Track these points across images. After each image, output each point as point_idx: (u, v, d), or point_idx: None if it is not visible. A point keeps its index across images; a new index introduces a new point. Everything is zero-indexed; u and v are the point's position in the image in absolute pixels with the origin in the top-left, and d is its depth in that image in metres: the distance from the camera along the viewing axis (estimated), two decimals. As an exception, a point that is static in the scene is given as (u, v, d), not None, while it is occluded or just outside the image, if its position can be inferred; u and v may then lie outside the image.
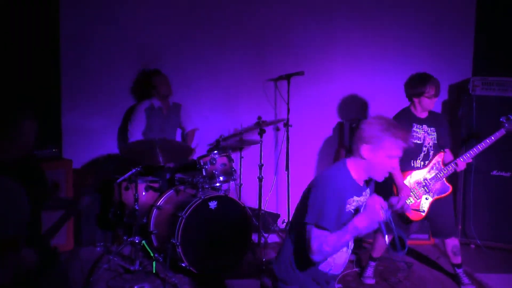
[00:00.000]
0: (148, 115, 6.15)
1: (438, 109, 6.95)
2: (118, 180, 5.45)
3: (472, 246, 6.47)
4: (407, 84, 5.26)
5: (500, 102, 6.31)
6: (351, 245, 3.45)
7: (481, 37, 6.97)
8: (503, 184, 6.39)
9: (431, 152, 5.25)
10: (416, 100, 5.21)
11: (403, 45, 6.92)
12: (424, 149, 5.25)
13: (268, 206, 6.63)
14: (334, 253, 3.22)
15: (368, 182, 3.46)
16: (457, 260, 5.39)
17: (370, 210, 3.15)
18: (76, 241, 6.00)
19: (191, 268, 5.28)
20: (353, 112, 6.85)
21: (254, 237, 5.95)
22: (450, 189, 5.28)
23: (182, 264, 5.28)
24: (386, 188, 5.06)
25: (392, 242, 3.21)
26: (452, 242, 5.32)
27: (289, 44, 6.77)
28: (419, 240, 6.49)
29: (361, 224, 3.14)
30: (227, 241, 5.45)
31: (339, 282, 5.29)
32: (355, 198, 3.33)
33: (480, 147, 5.12)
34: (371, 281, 5.45)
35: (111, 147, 6.36)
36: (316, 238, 3.15)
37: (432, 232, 5.63)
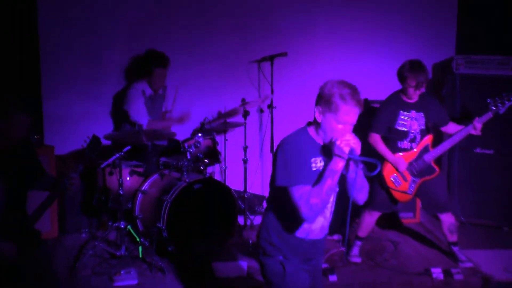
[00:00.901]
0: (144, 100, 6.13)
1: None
2: (102, 165, 5.41)
3: (457, 223, 6.51)
4: (399, 68, 5.27)
5: (483, 80, 6.34)
6: (329, 211, 3.43)
7: (464, 15, 6.97)
8: (487, 161, 6.43)
9: (418, 137, 5.29)
10: (402, 85, 5.24)
11: (386, 26, 6.89)
12: (411, 135, 5.31)
13: (253, 188, 6.62)
14: (324, 204, 3.17)
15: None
16: (453, 238, 5.44)
17: (338, 150, 3.14)
18: (61, 229, 5.97)
19: (177, 252, 5.27)
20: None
21: (240, 220, 5.95)
22: (437, 171, 5.31)
23: (169, 248, 5.27)
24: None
25: (365, 165, 3.18)
26: (449, 220, 5.38)
27: (272, 26, 6.73)
28: (405, 219, 6.53)
29: (335, 165, 3.15)
30: (213, 224, 5.45)
31: (326, 262, 5.31)
32: (320, 159, 3.30)
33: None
34: (357, 260, 5.48)
35: (94, 131, 6.29)
36: (300, 196, 3.16)
37: (426, 208, 5.69)
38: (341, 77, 6.77)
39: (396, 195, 5.35)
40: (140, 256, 5.31)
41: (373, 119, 5.27)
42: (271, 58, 6.44)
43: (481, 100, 6.31)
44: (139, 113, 6.05)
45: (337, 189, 3.40)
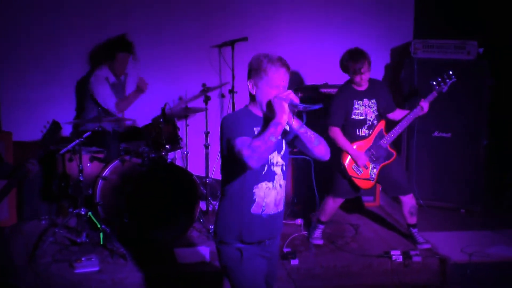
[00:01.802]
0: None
1: (380, 72, 7.03)
2: (62, 151, 5.34)
3: (417, 206, 6.62)
4: (340, 59, 5.35)
5: (440, 64, 6.42)
6: (281, 184, 3.45)
7: (421, 0, 7.06)
8: (444, 145, 6.54)
9: (375, 123, 5.37)
10: (349, 75, 5.34)
11: (346, 10, 6.93)
12: (369, 122, 5.37)
13: (215, 173, 6.62)
14: (266, 149, 3.16)
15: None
16: (413, 220, 5.54)
17: (277, 103, 3.23)
18: (19, 216, 5.88)
19: (139, 238, 5.25)
20: (300, 78, 6.86)
21: (202, 205, 5.95)
22: (394, 155, 5.40)
23: (130, 235, 5.24)
24: (335, 158, 5.24)
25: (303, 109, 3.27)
26: (410, 202, 5.46)
27: (233, 10, 6.71)
28: (365, 202, 6.62)
29: (279, 118, 3.21)
30: (175, 209, 5.43)
31: (287, 246, 5.35)
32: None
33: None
34: (319, 242, 5.54)
35: (54, 117, 6.21)
36: (242, 142, 3.19)
37: (388, 191, 5.75)
38: (302, 60, 6.87)
39: (359, 183, 5.42)
40: (101, 242, 5.27)
41: (328, 112, 5.29)
42: (231, 43, 6.43)
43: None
44: (107, 99, 6.01)
45: (282, 161, 3.44)
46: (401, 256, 5.18)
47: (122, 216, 5.19)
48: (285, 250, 5.20)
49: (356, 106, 5.32)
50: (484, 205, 6.52)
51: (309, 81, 6.80)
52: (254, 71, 3.34)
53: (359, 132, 5.36)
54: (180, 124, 6.07)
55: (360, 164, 5.33)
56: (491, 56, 6.41)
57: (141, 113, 6.40)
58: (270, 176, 3.39)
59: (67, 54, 6.38)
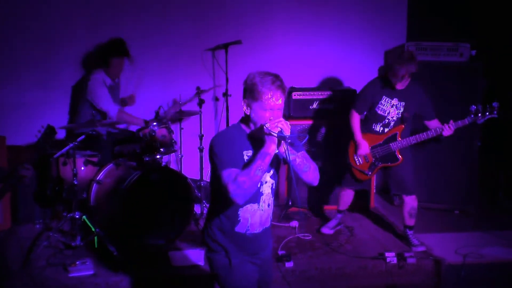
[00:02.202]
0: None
1: (374, 75, 7.03)
2: (56, 155, 5.33)
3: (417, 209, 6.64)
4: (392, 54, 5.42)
5: (433, 66, 6.45)
6: (266, 204, 3.45)
7: (414, 2, 7.07)
8: (438, 146, 6.53)
9: (392, 124, 5.43)
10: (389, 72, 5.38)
11: (340, 12, 6.95)
12: (386, 120, 5.43)
13: (209, 176, 6.61)
14: (253, 184, 3.17)
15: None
16: (411, 222, 5.57)
17: (267, 132, 3.20)
18: (14, 220, 5.86)
19: (133, 241, 5.25)
20: (294, 79, 6.87)
21: (197, 208, 5.95)
22: (400, 160, 5.41)
23: (125, 238, 5.23)
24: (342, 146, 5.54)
25: (290, 143, 3.25)
26: (412, 204, 5.48)
27: (227, 13, 6.72)
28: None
29: (267, 148, 3.19)
30: (169, 213, 5.43)
31: (282, 249, 5.36)
32: (252, 152, 3.34)
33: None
34: (328, 232, 5.73)
35: (48, 121, 6.20)
36: (228, 176, 3.18)
37: (392, 188, 5.75)
38: (296, 63, 6.88)
39: (355, 172, 5.55)
40: (96, 246, 5.26)
41: (356, 96, 5.30)
42: (225, 46, 6.44)
43: (432, 86, 6.46)
44: (108, 103, 6.00)
45: (272, 180, 3.43)
46: (395, 258, 5.19)
47: (116, 220, 5.18)
48: (280, 252, 5.21)
49: (383, 101, 5.39)
50: (478, 206, 6.54)
51: (302, 83, 6.80)
52: (249, 92, 3.28)
53: (374, 126, 5.46)
54: (174, 127, 6.07)
55: (359, 153, 5.43)
56: (484, 58, 6.43)
57: (135, 115, 6.40)
58: (256, 198, 3.38)
59: (61, 58, 6.38)
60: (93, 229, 5.27)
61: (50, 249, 5.25)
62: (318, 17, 6.92)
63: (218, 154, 3.27)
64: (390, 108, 5.38)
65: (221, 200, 3.32)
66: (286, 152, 3.23)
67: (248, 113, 3.31)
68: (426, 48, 6.48)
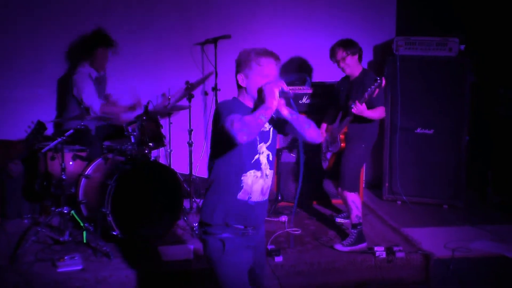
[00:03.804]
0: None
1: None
2: (44, 150, 5.30)
3: (399, 202, 6.67)
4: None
5: (422, 61, 6.47)
6: (267, 174, 3.49)
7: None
8: (427, 141, 6.59)
9: (341, 114, 5.44)
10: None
11: (329, 7, 6.95)
12: (342, 110, 5.45)
13: (199, 171, 6.61)
14: (257, 126, 3.21)
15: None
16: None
17: (268, 92, 3.28)
18: (2, 215, 5.84)
19: (122, 236, 5.23)
20: (283, 74, 6.86)
21: (186, 203, 5.93)
22: (340, 147, 5.40)
23: (114, 233, 5.22)
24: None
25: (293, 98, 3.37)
26: (349, 197, 5.41)
27: (216, 7, 6.71)
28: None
29: (269, 103, 3.26)
30: (158, 208, 5.41)
31: (271, 243, 5.36)
32: None
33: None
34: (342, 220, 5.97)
35: (37, 115, 6.18)
36: (233, 117, 3.22)
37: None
38: (285, 57, 6.87)
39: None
40: (85, 241, 5.24)
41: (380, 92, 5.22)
42: (214, 41, 6.42)
43: (421, 81, 6.49)
44: (92, 97, 5.98)
45: (268, 151, 3.49)
46: (384, 252, 5.20)
47: (105, 214, 5.16)
48: (269, 247, 5.21)
49: (341, 92, 5.48)
50: (466, 201, 6.58)
51: (292, 76, 6.81)
52: (244, 63, 3.41)
53: (338, 116, 5.49)
54: (163, 122, 6.05)
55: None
56: (472, 53, 6.46)
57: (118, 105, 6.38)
58: (258, 165, 3.45)
59: (48, 52, 6.35)
60: (81, 224, 5.25)
61: (38, 244, 5.22)
62: (307, 11, 6.92)
63: (225, 108, 3.34)
64: (344, 97, 5.41)
65: (224, 167, 3.40)
66: (289, 113, 3.38)
67: (245, 85, 3.42)
68: (415, 42, 6.49)
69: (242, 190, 3.44)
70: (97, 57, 6.05)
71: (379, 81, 4.96)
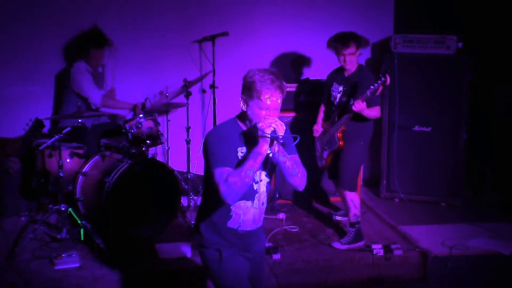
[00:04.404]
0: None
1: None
2: (41, 147, 5.30)
3: (396, 200, 6.66)
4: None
5: (420, 58, 6.46)
6: (263, 201, 3.47)
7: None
8: (425, 139, 6.58)
9: (337, 111, 5.39)
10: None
11: (327, 4, 6.94)
12: (334, 108, 5.43)
13: (196, 169, 6.60)
14: (243, 184, 3.18)
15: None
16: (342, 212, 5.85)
17: (260, 131, 3.20)
18: (-1, 212, 5.84)
19: (120, 233, 5.23)
20: (281, 72, 6.85)
21: (184, 201, 5.93)
22: (338, 145, 5.37)
23: (111, 230, 5.21)
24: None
25: (282, 144, 3.27)
26: (349, 196, 5.41)
27: (214, 4, 6.69)
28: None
29: (259, 148, 3.20)
30: (156, 205, 5.41)
31: (269, 241, 5.36)
32: (246, 148, 3.35)
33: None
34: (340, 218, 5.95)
35: (34, 113, 6.17)
36: (220, 175, 3.19)
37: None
38: (283, 55, 6.88)
39: (317, 160, 5.65)
40: (82, 238, 5.24)
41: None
42: (212, 38, 6.41)
43: (419, 79, 6.48)
44: (91, 88, 5.99)
45: (267, 179, 3.46)
46: (382, 250, 5.20)
47: (102, 212, 5.16)
48: (267, 245, 5.20)
49: (333, 88, 5.46)
50: (464, 198, 6.57)
51: (289, 75, 6.80)
52: (247, 89, 3.28)
53: (331, 113, 5.48)
54: (161, 119, 6.05)
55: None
56: (470, 51, 6.45)
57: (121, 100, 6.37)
58: (251, 196, 3.40)
59: (44, 49, 6.33)
60: (79, 222, 5.25)
61: (36, 241, 5.22)
62: (305, 9, 6.90)
63: (211, 150, 3.27)
64: (338, 95, 5.38)
65: (214, 195, 3.30)
66: (277, 153, 3.24)
67: (245, 110, 3.32)
68: (413, 40, 6.48)
69: (231, 219, 3.42)
70: (91, 57, 6.04)
71: (383, 79, 4.94)
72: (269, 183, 3.50)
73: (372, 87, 4.96)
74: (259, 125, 3.20)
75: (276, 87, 3.23)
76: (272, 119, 3.21)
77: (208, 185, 3.38)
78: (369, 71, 5.36)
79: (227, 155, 3.26)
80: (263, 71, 3.27)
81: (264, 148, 3.20)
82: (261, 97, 3.22)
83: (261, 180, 3.43)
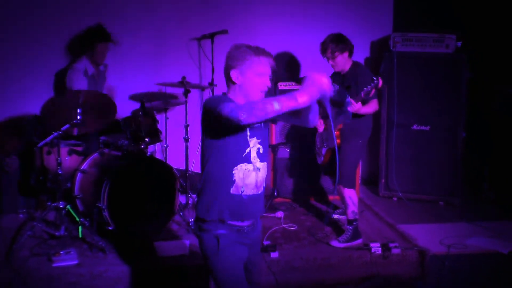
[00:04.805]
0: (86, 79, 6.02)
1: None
2: (39, 144, 5.29)
3: (395, 198, 6.67)
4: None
5: (419, 57, 6.46)
6: (259, 167, 3.46)
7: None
8: (424, 138, 6.59)
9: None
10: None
11: (326, 2, 6.94)
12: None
13: (195, 166, 6.60)
14: (263, 109, 3.05)
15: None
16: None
17: (312, 83, 3.11)
18: (-3, 209, 5.83)
19: (118, 231, 5.23)
20: (280, 70, 6.87)
21: (182, 198, 5.93)
22: (336, 143, 5.36)
23: (109, 228, 5.21)
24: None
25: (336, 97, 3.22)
26: (346, 193, 5.41)
27: (212, 2, 6.69)
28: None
29: (301, 96, 3.09)
30: (154, 203, 5.41)
31: (267, 239, 5.36)
32: None
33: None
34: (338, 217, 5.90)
35: (35, 110, 6.18)
36: (233, 104, 3.18)
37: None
38: (281, 53, 6.88)
39: (316, 156, 5.66)
40: (80, 236, 5.24)
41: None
42: (211, 36, 6.41)
43: (418, 78, 6.48)
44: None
45: (259, 145, 3.45)
46: (380, 248, 5.20)
47: (101, 209, 5.15)
48: (265, 243, 5.21)
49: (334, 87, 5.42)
50: (462, 197, 6.58)
51: (289, 73, 6.81)
52: (240, 59, 3.34)
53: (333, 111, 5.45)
54: (159, 117, 6.04)
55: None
56: (469, 49, 6.46)
57: (120, 105, 6.35)
58: (249, 159, 3.42)
59: (44, 47, 6.34)
60: (77, 219, 5.25)
61: (34, 239, 5.21)
62: (304, 7, 6.91)
63: (215, 101, 3.24)
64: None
65: (215, 162, 3.36)
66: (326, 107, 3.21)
67: (239, 82, 3.36)
68: (412, 39, 6.49)
69: (234, 185, 3.41)
70: (97, 51, 6.04)
71: (375, 81, 4.94)
72: (260, 150, 3.46)
73: (365, 88, 4.99)
74: (316, 75, 3.10)
75: (267, 54, 3.36)
76: (323, 76, 3.12)
77: (209, 153, 3.40)
78: (364, 68, 5.36)
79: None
80: (246, 44, 3.38)
81: (314, 95, 3.10)
82: (261, 62, 3.32)
83: (253, 146, 3.43)
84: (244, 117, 3.05)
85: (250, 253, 3.57)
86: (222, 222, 3.42)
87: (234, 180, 3.41)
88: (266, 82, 3.35)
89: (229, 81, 3.41)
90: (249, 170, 3.42)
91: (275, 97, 3.09)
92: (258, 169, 3.46)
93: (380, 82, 4.96)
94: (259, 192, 3.53)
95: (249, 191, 3.45)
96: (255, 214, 3.57)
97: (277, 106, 3.05)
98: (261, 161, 3.48)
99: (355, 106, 5.03)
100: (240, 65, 3.35)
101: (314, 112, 3.44)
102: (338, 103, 3.12)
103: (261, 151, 3.47)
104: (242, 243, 3.50)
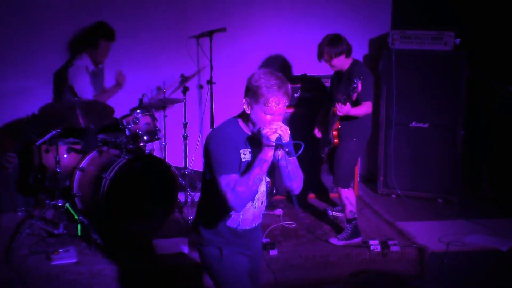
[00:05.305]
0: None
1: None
2: (38, 143, 5.29)
3: (393, 196, 6.67)
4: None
5: (418, 55, 6.46)
6: (260, 201, 3.46)
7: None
8: (422, 135, 6.58)
9: (333, 109, 5.36)
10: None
11: (325, 0, 6.94)
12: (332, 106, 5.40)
13: (194, 164, 6.59)
14: (251, 193, 3.18)
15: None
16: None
17: (265, 139, 3.16)
18: (-4, 208, 5.82)
19: (117, 229, 5.22)
20: (278, 68, 6.86)
21: (181, 196, 5.92)
22: (333, 144, 5.36)
23: (108, 226, 5.21)
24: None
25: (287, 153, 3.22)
26: (344, 193, 5.39)
27: (211, 1, 6.68)
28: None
29: (264, 155, 3.17)
30: (153, 201, 5.41)
31: (266, 237, 5.36)
32: (250, 150, 3.33)
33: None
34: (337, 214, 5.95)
35: (31, 108, 6.17)
36: (226, 184, 3.17)
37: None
38: (280, 50, 6.86)
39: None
40: (79, 234, 5.23)
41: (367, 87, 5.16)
42: (210, 34, 6.39)
43: (416, 75, 6.48)
44: (84, 89, 5.95)
45: (267, 179, 3.44)
46: (379, 246, 5.21)
47: (100, 207, 5.15)
48: (264, 240, 5.21)
49: (332, 87, 5.49)
50: (461, 195, 6.58)
51: (287, 71, 6.80)
52: (252, 92, 3.22)
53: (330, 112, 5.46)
54: (158, 115, 6.04)
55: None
56: (468, 47, 6.45)
57: (119, 103, 6.35)
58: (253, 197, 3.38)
59: (42, 45, 6.30)
60: (76, 217, 5.24)
61: (32, 237, 5.21)
62: (303, 5, 6.89)
63: (215, 156, 3.23)
64: (335, 91, 5.40)
65: (213, 195, 3.29)
66: (281, 159, 3.22)
67: (248, 112, 3.27)
68: (411, 36, 6.48)
69: (230, 219, 3.40)
70: (99, 49, 6.02)
71: (354, 85, 4.93)
72: (268, 183, 3.50)
73: (345, 94, 5.02)
74: (264, 132, 3.15)
75: (283, 94, 3.19)
76: (276, 124, 3.16)
77: (208, 184, 3.36)
78: (361, 67, 5.31)
79: (232, 161, 3.23)
80: (269, 75, 3.21)
81: (269, 155, 3.18)
82: (268, 103, 3.18)
83: (263, 179, 3.40)
84: (239, 209, 3.23)
85: (251, 263, 3.57)
86: (219, 245, 3.43)
87: (231, 215, 3.39)
88: (273, 119, 3.23)
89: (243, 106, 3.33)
90: (248, 208, 3.39)
91: (251, 171, 3.17)
92: (262, 203, 3.46)
93: (359, 87, 4.93)
94: (257, 224, 3.53)
95: (245, 225, 3.45)
96: (252, 240, 3.56)
97: (257, 180, 3.17)
98: (266, 194, 3.48)
99: (343, 109, 5.02)
100: (251, 98, 3.24)
101: (286, 175, 3.32)
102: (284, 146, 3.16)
103: (269, 184, 3.48)
104: (243, 253, 3.51)
